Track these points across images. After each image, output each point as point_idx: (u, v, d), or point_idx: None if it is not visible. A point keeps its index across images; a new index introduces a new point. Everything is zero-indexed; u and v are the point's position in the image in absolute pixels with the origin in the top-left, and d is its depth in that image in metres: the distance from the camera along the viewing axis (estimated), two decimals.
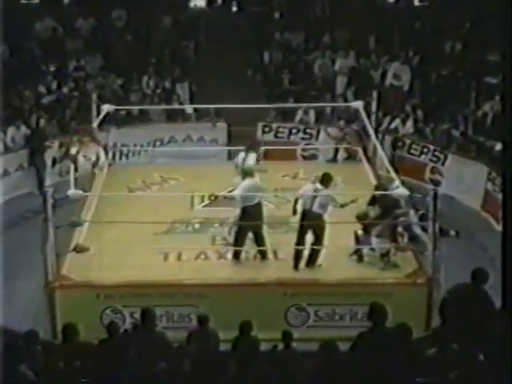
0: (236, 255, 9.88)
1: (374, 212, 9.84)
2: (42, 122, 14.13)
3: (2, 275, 9.90)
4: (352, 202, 9.67)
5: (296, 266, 9.65)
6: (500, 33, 9.04)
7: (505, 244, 6.71)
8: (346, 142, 14.15)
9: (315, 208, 9.51)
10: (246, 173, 10.01)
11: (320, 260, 9.71)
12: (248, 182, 9.87)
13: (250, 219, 9.72)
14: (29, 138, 13.97)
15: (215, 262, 9.95)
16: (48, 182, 13.62)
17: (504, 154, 8.93)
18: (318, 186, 9.60)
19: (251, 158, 11.10)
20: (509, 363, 5.83)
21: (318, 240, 9.59)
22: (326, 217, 9.60)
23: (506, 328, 6.28)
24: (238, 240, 9.83)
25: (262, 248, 9.89)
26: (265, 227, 10.68)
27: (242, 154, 11.25)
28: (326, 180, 9.64)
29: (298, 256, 9.65)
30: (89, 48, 16.51)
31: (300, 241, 9.63)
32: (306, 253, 9.69)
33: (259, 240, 9.88)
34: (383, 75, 15.64)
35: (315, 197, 9.47)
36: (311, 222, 9.52)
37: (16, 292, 10.00)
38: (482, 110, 14.22)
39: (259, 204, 9.84)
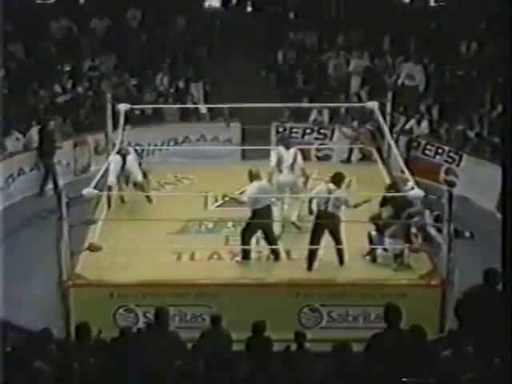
0: (246, 256, 9.86)
1: (386, 213, 9.81)
2: (52, 123, 14.13)
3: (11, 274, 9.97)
4: (365, 202, 9.68)
5: (310, 267, 9.64)
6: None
7: (505, 242, 6.65)
8: (360, 142, 14.11)
9: (330, 208, 9.51)
10: (254, 176, 9.90)
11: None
12: (256, 184, 9.83)
13: (259, 222, 9.72)
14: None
15: (228, 262, 9.95)
16: (62, 181, 13.70)
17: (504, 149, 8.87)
18: (331, 186, 9.60)
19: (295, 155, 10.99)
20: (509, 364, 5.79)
21: (337, 240, 9.60)
22: (340, 215, 9.62)
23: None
24: (245, 241, 9.79)
25: (274, 248, 9.87)
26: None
27: (281, 150, 11.01)
28: (337, 179, 9.65)
29: (311, 257, 9.63)
30: (104, 48, 16.57)
31: (314, 242, 9.62)
32: (320, 253, 9.68)
33: (271, 241, 9.87)
34: (398, 77, 15.59)
35: (329, 197, 9.47)
36: (326, 222, 9.51)
37: (30, 291, 10.06)
38: (496, 110, 14.14)
39: (269, 206, 9.82)
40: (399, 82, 15.46)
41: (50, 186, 13.67)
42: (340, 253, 9.66)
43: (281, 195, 10.60)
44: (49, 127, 13.91)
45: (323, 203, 9.54)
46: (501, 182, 10.32)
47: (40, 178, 13.70)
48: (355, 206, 9.62)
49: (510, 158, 7.14)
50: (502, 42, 8.38)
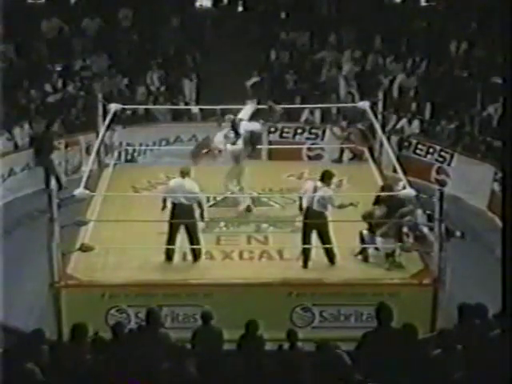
0: (168, 256, 9.76)
1: (379, 211, 9.81)
2: (53, 122, 14.18)
3: (3, 274, 9.94)
4: (351, 204, 9.57)
5: (305, 265, 9.65)
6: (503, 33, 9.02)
7: (505, 244, 6.66)
8: (351, 141, 14.13)
9: (315, 206, 9.51)
10: (181, 172, 9.93)
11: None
12: (176, 180, 9.90)
13: (178, 218, 9.67)
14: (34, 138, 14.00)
15: (220, 261, 9.94)
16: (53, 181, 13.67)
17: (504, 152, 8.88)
18: (318, 183, 9.60)
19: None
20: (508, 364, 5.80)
21: (323, 239, 9.58)
22: (327, 214, 9.60)
23: (506, 328, 6.27)
24: (169, 238, 9.73)
25: (194, 247, 9.78)
26: (271, 227, 10.73)
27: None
28: (326, 177, 9.62)
29: (305, 255, 9.65)
30: (95, 47, 16.54)
31: (306, 239, 9.63)
32: (313, 252, 9.69)
33: (193, 240, 9.79)
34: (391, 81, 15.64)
35: (314, 195, 9.48)
36: (313, 221, 9.52)
37: (22, 291, 10.03)
38: (487, 110, 14.20)
39: (189, 205, 9.73)
40: (394, 91, 15.47)
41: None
42: (328, 253, 9.64)
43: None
44: (51, 128, 13.96)
45: (310, 201, 9.54)
46: (502, 184, 10.38)
47: (33, 178, 13.67)
48: (340, 207, 9.59)
49: (510, 160, 7.13)
50: (502, 42, 8.36)
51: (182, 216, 9.70)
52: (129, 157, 14.26)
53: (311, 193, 9.53)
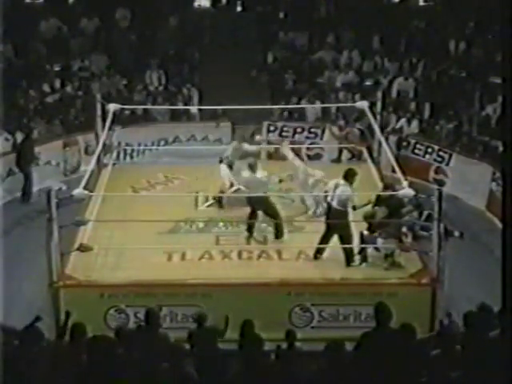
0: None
1: (381, 213, 9.79)
2: (35, 132, 14.10)
3: (4, 275, 9.94)
4: (365, 205, 9.76)
5: (315, 257, 9.76)
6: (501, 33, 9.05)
7: (505, 244, 6.67)
8: (349, 141, 14.13)
9: (335, 204, 9.56)
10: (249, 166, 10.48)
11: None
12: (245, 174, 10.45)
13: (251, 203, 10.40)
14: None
15: (219, 261, 9.95)
16: (53, 181, 13.64)
17: (504, 153, 8.92)
18: (341, 181, 9.64)
19: None
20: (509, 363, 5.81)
21: (342, 239, 9.63)
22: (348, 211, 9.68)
23: (506, 328, 6.28)
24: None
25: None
26: (269, 227, 10.75)
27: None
28: (349, 176, 9.68)
29: (318, 249, 9.73)
30: (93, 48, 16.54)
31: (325, 237, 9.69)
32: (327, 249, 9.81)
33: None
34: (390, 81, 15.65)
35: (335, 192, 9.56)
36: (333, 221, 9.61)
37: (21, 291, 10.03)
38: (485, 110, 14.22)
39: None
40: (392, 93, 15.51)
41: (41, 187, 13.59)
42: (346, 253, 9.65)
43: None
44: (31, 135, 13.86)
45: (330, 198, 9.63)
46: (502, 184, 10.38)
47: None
48: (354, 208, 9.67)
49: (510, 160, 7.14)
50: (500, 42, 8.40)
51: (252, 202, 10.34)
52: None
53: (332, 191, 9.61)
